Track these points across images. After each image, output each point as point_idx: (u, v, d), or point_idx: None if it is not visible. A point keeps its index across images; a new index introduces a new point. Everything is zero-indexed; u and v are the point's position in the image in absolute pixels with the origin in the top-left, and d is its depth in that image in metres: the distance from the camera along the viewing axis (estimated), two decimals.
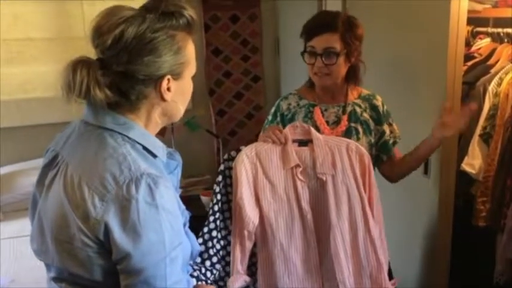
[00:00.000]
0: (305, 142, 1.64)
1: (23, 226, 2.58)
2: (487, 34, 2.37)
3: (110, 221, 0.93)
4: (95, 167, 0.97)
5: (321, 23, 1.67)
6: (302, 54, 1.71)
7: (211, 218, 1.65)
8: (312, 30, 1.67)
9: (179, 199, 1.08)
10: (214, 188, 1.67)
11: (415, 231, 2.26)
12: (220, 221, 1.66)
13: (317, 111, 1.75)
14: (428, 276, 2.20)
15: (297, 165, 1.60)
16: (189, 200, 2.36)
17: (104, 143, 1.00)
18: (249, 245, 1.60)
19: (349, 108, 1.76)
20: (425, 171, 2.10)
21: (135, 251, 0.93)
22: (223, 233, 1.67)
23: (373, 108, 1.79)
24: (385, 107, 1.81)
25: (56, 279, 1.06)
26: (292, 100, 1.80)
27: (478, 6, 2.26)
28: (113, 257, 0.95)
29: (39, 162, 1.12)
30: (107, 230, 0.93)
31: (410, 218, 2.28)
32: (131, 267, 0.94)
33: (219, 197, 1.66)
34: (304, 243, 1.60)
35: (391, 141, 1.80)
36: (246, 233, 1.58)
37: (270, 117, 1.84)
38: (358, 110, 1.77)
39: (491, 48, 2.33)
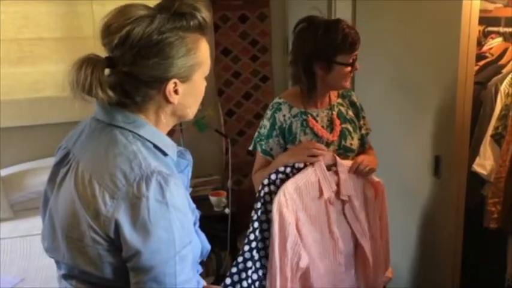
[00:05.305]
0: (328, 167, 1.74)
1: (34, 225, 2.61)
2: (499, 34, 2.35)
3: (120, 219, 0.93)
4: (105, 164, 0.97)
5: (358, 38, 1.75)
6: (342, 66, 1.74)
7: (246, 248, 1.67)
8: (352, 45, 1.74)
9: (189, 198, 1.07)
10: (252, 215, 1.69)
11: (425, 233, 2.24)
12: (258, 251, 1.69)
13: (310, 119, 1.81)
14: (439, 279, 2.18)
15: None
16: (197, 200, 2.35)
17: (114, 140, 1.00)
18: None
19: (336, 110, 1.86)
20: (436, 173, 2.08)
21: (145, 249, 0.93)
22: (258, 264, 1.69)
23: (352, 104, 1.92)
24: (359, 101, 1.94)
25: (66, 277, 1.06)
26: (285, 111, 1.82)
27: (490, 6, 2.24)
28: (123, 254, 0.95)
29: (51, 161, 1.13)
30: (117, 228, 0.93)
31: (421, 219, 2.26)
32: (141, 265, 0.94)
33: (256, 224, 1.68)
34: (334, 264, 1.77)
35: (365, 133, 1.93)
36: (298, 275, 1.68)
37: (266, 132, 1.81)
38: (342, 109, 1.88)
39: (503, 48, 2.31)
